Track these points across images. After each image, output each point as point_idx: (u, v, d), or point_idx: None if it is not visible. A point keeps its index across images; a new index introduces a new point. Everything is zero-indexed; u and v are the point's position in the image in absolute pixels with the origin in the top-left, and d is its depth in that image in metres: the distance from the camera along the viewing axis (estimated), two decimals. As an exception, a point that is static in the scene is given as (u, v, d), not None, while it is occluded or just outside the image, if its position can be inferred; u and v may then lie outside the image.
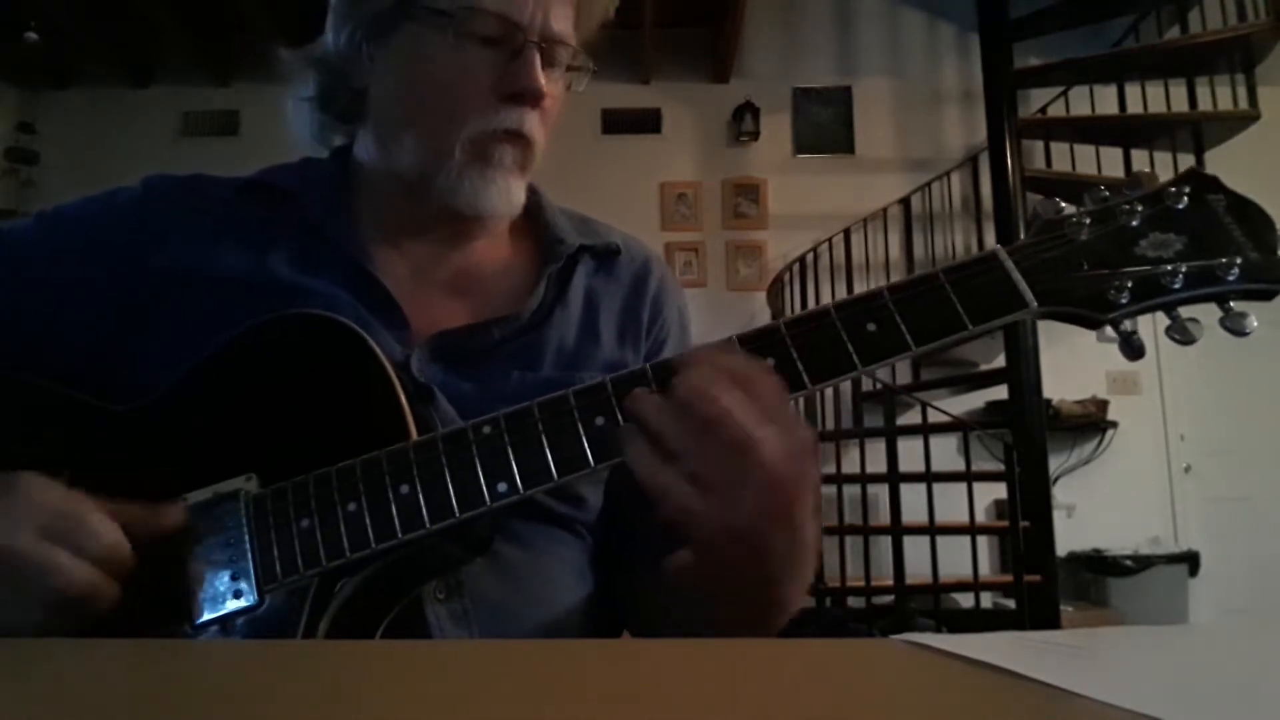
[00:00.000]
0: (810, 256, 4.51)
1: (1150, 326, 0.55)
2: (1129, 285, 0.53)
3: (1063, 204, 0.56)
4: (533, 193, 0.79)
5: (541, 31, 0.69)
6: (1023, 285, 0.53)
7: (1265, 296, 0.53)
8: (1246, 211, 0.54)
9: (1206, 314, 0.54)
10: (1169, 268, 0.53)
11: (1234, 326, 0.53)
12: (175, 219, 0.72)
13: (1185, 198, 0.55)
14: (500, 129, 0.70)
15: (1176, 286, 0.53)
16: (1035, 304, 0.53)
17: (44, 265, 0.70)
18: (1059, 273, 0.54)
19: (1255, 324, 0.52)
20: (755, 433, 0.49)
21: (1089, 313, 0.54)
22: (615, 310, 0.78)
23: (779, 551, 0.53)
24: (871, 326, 0.54)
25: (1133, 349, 0.54)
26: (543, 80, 0.69)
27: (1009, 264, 0.54)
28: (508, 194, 0.72)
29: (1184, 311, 0.54)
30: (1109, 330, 0.55)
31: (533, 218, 0.79)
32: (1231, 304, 0.53)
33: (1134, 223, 0.55)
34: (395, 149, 0.73)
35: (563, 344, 0.74)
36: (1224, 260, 0.53)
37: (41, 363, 0.66)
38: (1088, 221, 0.55)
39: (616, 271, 0.81)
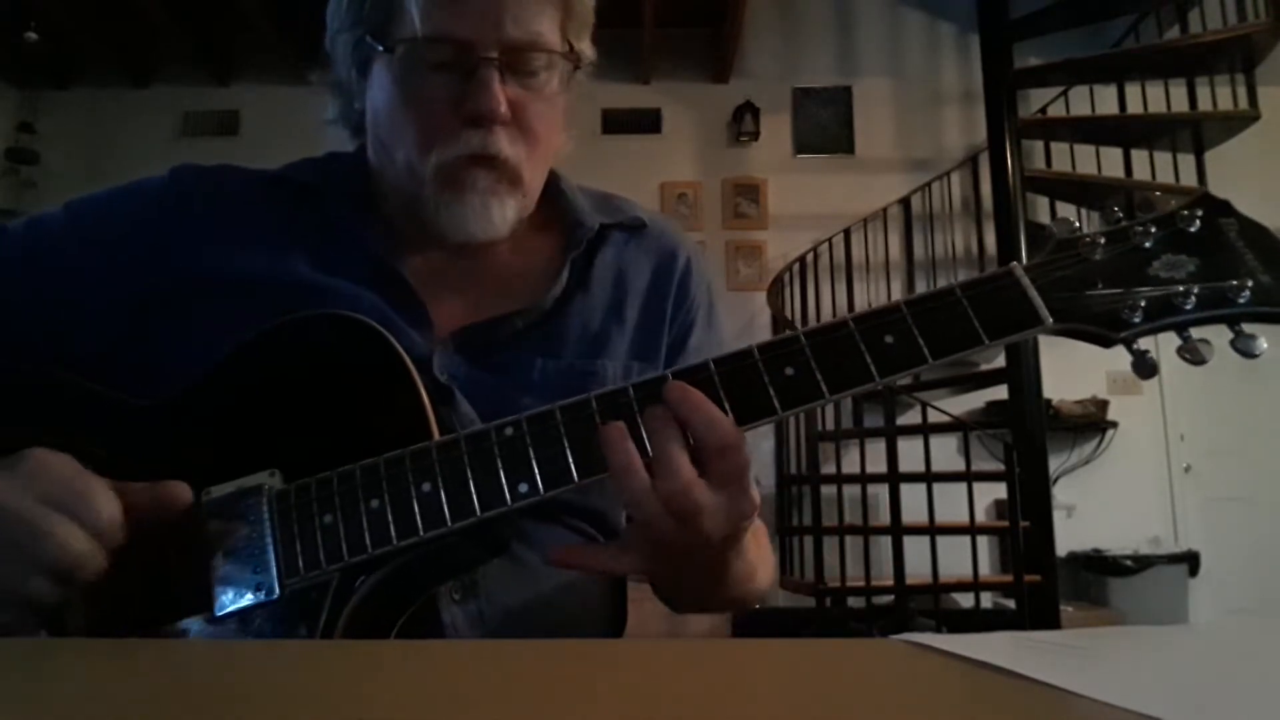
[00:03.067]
0: (810, 256, 4.50)
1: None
2: (1142, 305, 0.54)
3: (1077, 223, 0.57)
4: (552, 177, 0.78)
5: (500, 43, 0.66)
6: (1038, 302, 0.54)
7: (1276, 320, 0.54)
8: (1258, 235, 0.55)
9: (1216, 334, 0.55)
10: (1181, 289, 0.54)
11: (1244, 348, 0.54)
12: (200, 213, 0.72)
13: (1198, 220, 0.56)
14: (465, 154, 0.68)
15: (1188, 307, 0.54)
16: (1050, 321, 0.54)
17: (70, 255, 0.70)
18: (1074, 291, 0.55)
19: (1265, 346, 0.53)
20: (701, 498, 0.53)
21: (1102, 331, 0.55)
22: (642, 288, 0.77)
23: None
24: (889, 339, 0.55)
25: (1145, 367, 0.55)
26: (502, 98, 0.66)
27: (1025, 281, 0.55)
28: (488, 217, 0.70)
29: (1195, 332, 0.55)
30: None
31: (553, 202, 0.78)
32: (1242, 326, 0.54)
33: (1147, 244, 0.56)
34: (390, 170, 0.73)
35: (586, 328, 0.73)
36: (1235, 283, 0.54)
37: (63, 352, 0.66)
38: (1102, 241, 0.56)
39: (644, 244, 0.80)
